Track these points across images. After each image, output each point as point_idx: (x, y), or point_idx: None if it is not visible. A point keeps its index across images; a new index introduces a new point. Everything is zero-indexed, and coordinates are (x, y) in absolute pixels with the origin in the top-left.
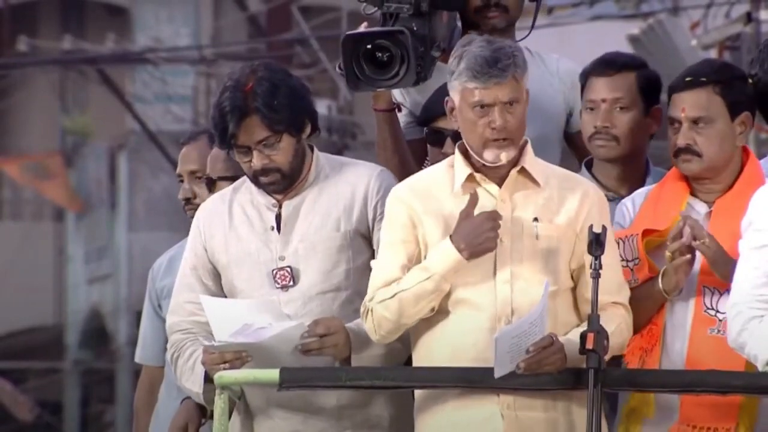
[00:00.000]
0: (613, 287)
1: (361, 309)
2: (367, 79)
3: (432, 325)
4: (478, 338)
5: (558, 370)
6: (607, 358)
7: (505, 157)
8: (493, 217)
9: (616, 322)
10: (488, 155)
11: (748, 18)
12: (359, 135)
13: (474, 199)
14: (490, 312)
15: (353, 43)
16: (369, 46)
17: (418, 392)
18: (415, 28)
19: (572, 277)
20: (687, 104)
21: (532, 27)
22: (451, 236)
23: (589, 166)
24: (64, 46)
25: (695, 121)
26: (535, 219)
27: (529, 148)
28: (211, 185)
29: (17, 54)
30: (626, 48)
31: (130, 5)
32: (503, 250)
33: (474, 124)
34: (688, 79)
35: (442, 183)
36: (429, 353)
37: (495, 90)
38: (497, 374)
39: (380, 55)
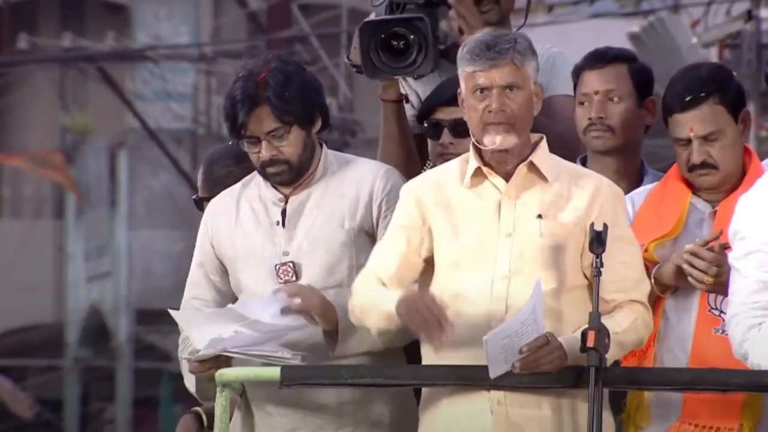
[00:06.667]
0: (630, 284)
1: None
2: (384, 67)
3: None
4: (473, 334)
5: (557, 369)
6: (622, 355)
7: (500, 141)
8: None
9: (632, 319)
10: (486, 140)
11: (749, 16)
12: (359, 132)
13: (449, 332)
14: (485, 308)
15: (371, 30)
16: (384, 35)
17: (423, 390)
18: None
19: (586, 276)
20: (693, 123)
21: (525, 20)
22: (399, 300)
23: (584, 163)
24: (64, 44)
25: (706, 137)
26: (539, 216)
27: (543, 144)
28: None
29: (17, 52)
30: (627, 46)
31: (129, 3)
32: (505, 246)
33: (474, 110)
34: (687, 98)
35: (453, 176)
36: (428, 347)
37: (492, 73)
38: (492, 375)
39: (396, 43)
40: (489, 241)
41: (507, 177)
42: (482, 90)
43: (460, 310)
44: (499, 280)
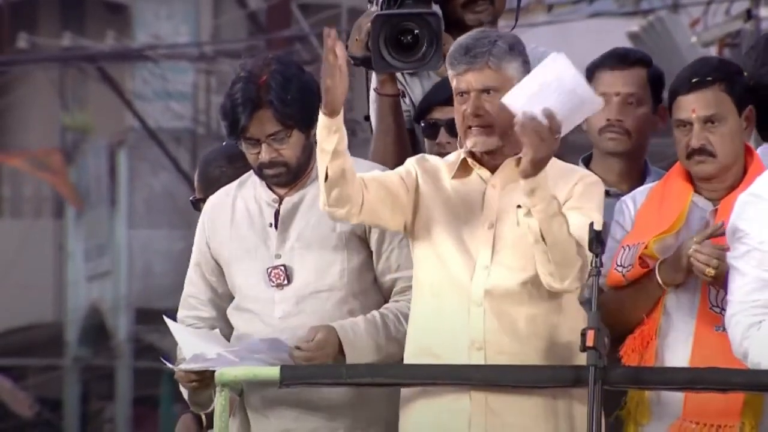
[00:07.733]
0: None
1: None
2: (394, 62)
3: (416, 306)
4: (455, 320)
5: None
6: (556, 232)
7: (474, 143)
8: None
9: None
10: (467, 142)
11: (748, 15)
12: (359, 132)
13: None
14: (465, 296)
15: (382, 24)
16: (394, 30)
17: (402, 389)
18: None
19: None
20: (697, 105)
21: (516, 22)
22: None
23: (587, 162)
24: (64, 44)
25: (707, 121)
26: (519, 206)
27: None
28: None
29: (17, 51)
30: (626, 45)
31: (130, 2)
32: (487, 235)
33: (458, 112)
34: (694, 80)
35: (447, 167)
36: (411, 335)
37: (469, 77)
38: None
39: (404, 37)
40: (472, 230)
41: (494, 170)
42: (462, 93)
43: (442, 298)
44: (480, 270)
